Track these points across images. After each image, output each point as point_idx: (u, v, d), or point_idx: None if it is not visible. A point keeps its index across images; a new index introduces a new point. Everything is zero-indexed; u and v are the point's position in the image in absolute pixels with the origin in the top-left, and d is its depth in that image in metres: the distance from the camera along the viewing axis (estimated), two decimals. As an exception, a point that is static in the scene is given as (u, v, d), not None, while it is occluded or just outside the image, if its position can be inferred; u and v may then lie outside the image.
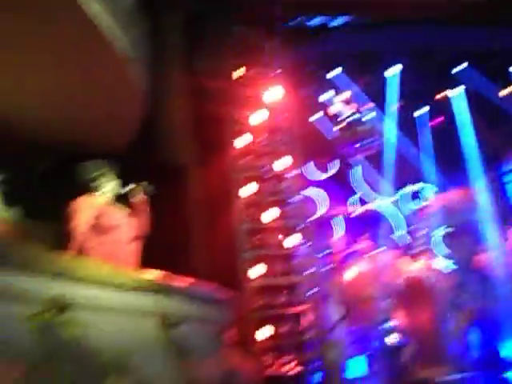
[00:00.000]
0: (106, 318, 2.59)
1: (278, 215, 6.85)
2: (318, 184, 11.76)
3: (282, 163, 6.99)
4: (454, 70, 9.54)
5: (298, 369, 6.26)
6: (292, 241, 6.72)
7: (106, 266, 3.15)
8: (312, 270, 6.67)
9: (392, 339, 7.96)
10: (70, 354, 2.16)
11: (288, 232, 6.81)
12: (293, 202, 6.95)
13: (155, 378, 2.74)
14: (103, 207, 3.96)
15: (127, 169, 4.29)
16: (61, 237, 3.73)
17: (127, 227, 4.00)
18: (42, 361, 1.97)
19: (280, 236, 6.75)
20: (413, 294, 9.12)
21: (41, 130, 6.48)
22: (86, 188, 4.01)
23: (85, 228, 3.71)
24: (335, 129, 9.61)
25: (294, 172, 7.01)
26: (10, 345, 1.90)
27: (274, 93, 7.22)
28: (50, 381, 1.98)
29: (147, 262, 3.62)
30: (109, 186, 4.11)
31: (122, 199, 4.14)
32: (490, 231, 10.83)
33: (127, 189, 4.09)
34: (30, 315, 2.08)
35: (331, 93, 9.71)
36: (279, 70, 7.38)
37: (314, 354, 6.44)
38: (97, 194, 4.06)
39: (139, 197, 4.09)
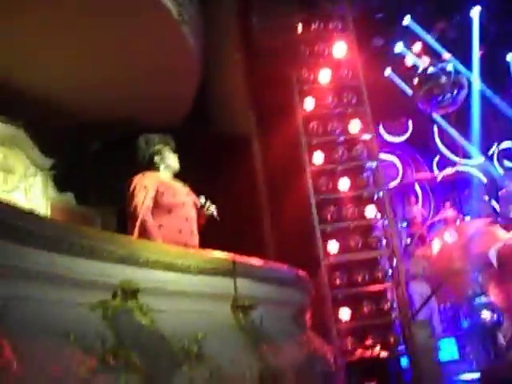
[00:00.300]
0: (175, 303, 2.60)
1: (354, 184, 6.68)
2: (395, 148, 11.52)
3: (354, 126, 6.79)
4: None
5: (383, 353, 6.16)
6: (371, 212, 6.54)
7: (172, 248, 3.15)
8: (394, 243, 6.47)
9: (486, 317, 7.67)
10: (141, 341, 2.17)
11: (366, 202, 6.63)
12: (369, 168, 6.75)
13: (230, 366, 2.73)
14: (166, 183, 3.94)
15: (185, 143, 4.27)
16: (120, 219, 3.77)
17: (192, 205, 3.98)
18: (113, 349, 1.99)
19: (357, 207, 6.58)
20: (507, 267, 8.77)
21: (93, 109, 6.64)
22: (148, 163, 4.00)
23: (148, 206, 3.70)
24: (411, 84, 9.27)
25: (368, 135, 6.79)
26: (81, 333, 1.92)
27: (341, 48, 7.00)
28: (122, 370, 2.00)
29: (214, 241, 3.60)
30: (171, 161, 4.08)
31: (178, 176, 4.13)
32: None
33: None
34: (98, 302, 2.10)
35: (402, 44, 9.38)
36: (345, 23, 7.13)
37: (400, 337, 6.28)
38: (159, 169, 4.04)
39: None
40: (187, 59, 6.28)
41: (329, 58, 7.03)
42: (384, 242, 6.60)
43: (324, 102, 6.85)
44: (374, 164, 6.75)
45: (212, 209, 4.05)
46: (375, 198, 6.67)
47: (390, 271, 6.51)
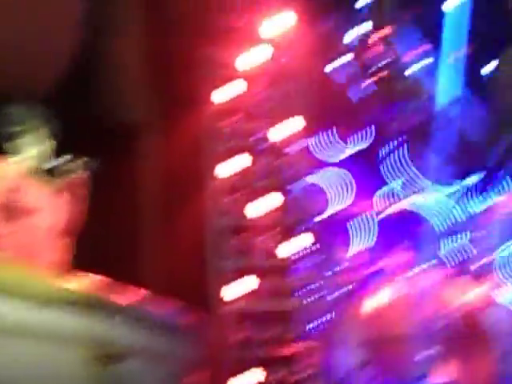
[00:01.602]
0: (11, 344, 2.63)
1: (273, 208, 6.87)
2: (337, 166, 11.78)
3: (284, 130, 6.99)
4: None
5: None
6: (290, 248, 6.76)
7: (15, 268, 3.18)
8: (318, 293, 6.71)
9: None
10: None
11: (285, 234, 6.85)
12: (296, 189, 6.97)
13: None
14: (19, 180, 3.97)
15: (61, 127, 4.29)
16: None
17: (51, 212, 4.03)
18: None
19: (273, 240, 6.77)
20: (469, 336, 9.24)
21: None
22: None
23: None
24: (367, 83, 9.64)
25: (302, 145, 7.03)
26: None
27: (278, 25, 7.20)
28: None
29: (81, 264, 3.68)
30: (33, 149, 4.10)
31: (50, 172, 4.14)
32: None
33: (60, 160, 4.09)
34: None
35: (363, 29, 9.73)
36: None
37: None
38: (14, 158, 4.05)
39: (76, 173, 4.11)
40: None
41: (259, 37, 7.14)
42: (307, 289, 6.75)
43: (245, 94, 6.95)
44: (303, 183, 6.92)
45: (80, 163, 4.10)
46: (300, 229, 6.84)
47: (312, 329, 6.68)
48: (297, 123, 7.09)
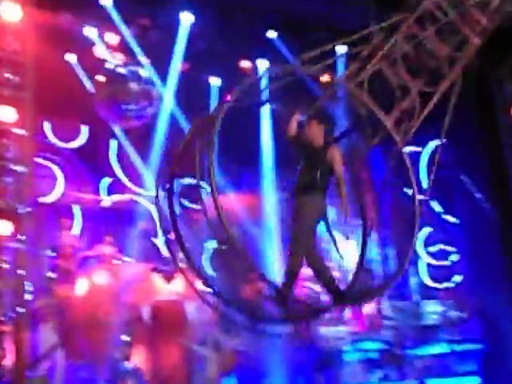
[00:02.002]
0: None
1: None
2: (60, 155, 11.47)
3: (6, 114, 6.66)
4: (270, 35, 10.18)
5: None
6: (4, 228, 6.45)
7: None
8: (23, 275, 6.46)
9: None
10: None
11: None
12: (15, 173, 6.66)
13: None
14: None
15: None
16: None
17: None
18: None
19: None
20: (161, 324, 9.42)
21: None
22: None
23: None
24: (94, 81, 9.47)
25: (24, 131, 6.73)
26: None
27: (10, 10, 6.86)
28: None
29: None
30: None
31: None
32: (271, 253, 11.77)
33: None
34: None
35: (96, 29, 9.56)
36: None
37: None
38: None
39: None
40: None
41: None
42: (13, 271, 6.51)
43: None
44: (22, 169, 6.67)
45: None
46: (13, 212, 6.58)
47: (12, 310, 6.43)
48: (20, 109, 6.73)
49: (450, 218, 12.21)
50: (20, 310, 6.37)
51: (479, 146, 8.94)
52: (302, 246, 5.55)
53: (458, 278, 12.05)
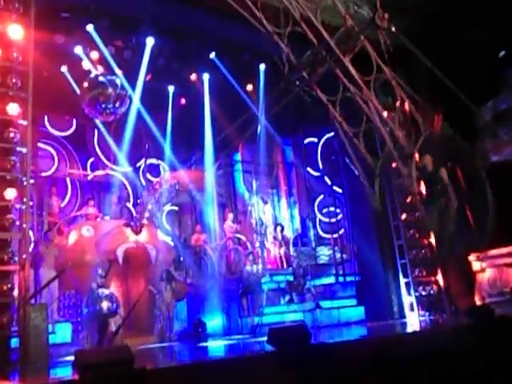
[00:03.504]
0: None
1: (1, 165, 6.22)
2: (56, 141, 11.26)
3: (12, 108, 6.35)
4: (211, 56, 10.06)
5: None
6: (11, 194, 6.15)
7: None
8: (26, 227, 6.20)
9: (103, 307, 7.95)
10: None
11: (8, 184, 6.21)
12: (19, 153, 6.37)
13: None
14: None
15: None
16: None
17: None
18: None
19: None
20: (131, 265, 9.31)
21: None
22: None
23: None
24: (81, 86, 9.18)
25: (25, 122, 6.43)
26: None
27: (17, 30, 6.51)
28: None
29: None
30: None
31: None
32: (211, 213, 11.80)
33: None
34: None
35: (82, 48, 9.32)
36: (27, 8, 6.67)
37: (13, 318, 6.02)
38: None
39: None
40: None
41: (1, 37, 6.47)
42: (19, 225, 6.26)
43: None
44: (25, 150, 6.38)
45: None
46: (20, 181, 6.30)
47: (21, 254, 6.18)
48: (23, 106, 6.43)
49: (337, 189, 12.39)
50: (24, 255, 6.13)
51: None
52: None
53: (341, 231, 12.31)
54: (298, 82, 8.60)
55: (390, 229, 10.18)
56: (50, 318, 6.79)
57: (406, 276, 9.88)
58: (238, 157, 13.23)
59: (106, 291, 8.12)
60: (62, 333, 8.07)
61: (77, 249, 9.04)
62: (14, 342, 6.00)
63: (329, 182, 12.54)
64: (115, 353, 4.17)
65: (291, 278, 10.42)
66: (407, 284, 9.86)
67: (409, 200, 9.47)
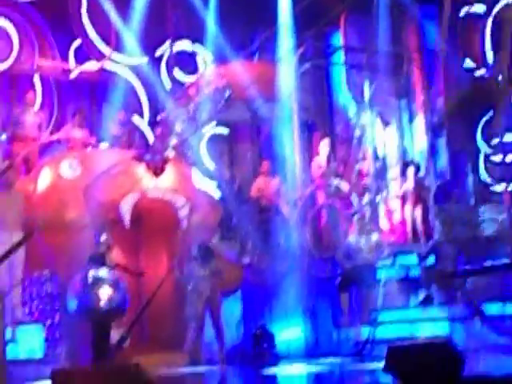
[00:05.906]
0: None
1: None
2: (16, 10, 11.36)
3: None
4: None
5: None
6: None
7: None
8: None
9: (101, 298, 8.17)
10: None
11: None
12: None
13: None
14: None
15: None
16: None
17: None
18: None
19: None
20: (146, 229, 9.49)
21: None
22: None
23: None
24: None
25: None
26: None
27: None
28: None
29: None
30: None
31: None
32: (288, 142, 11.73)
33: None
34: None
35: None
36: None
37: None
38: None
39: None
40: None
41: None
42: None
43: None
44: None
45: None
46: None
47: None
48: None
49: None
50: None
51: None
52: None
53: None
54: None
55: None
56: (8, 316, 7.08)
57: None
58: (338, 39, 13.09)
59: (105, 272, 8.33)
60: (29, 342, 8.35)
61: (52, 199, 9.21)
62: None
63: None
64: (119, 377, 4.27)
65: (431, 261, 10.33)
66: None
67: None
